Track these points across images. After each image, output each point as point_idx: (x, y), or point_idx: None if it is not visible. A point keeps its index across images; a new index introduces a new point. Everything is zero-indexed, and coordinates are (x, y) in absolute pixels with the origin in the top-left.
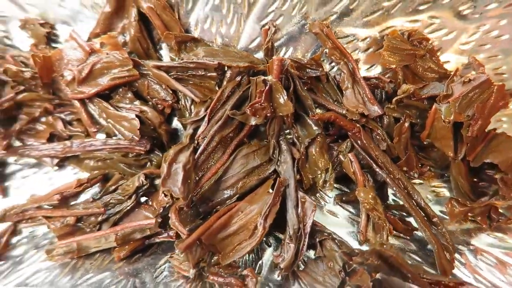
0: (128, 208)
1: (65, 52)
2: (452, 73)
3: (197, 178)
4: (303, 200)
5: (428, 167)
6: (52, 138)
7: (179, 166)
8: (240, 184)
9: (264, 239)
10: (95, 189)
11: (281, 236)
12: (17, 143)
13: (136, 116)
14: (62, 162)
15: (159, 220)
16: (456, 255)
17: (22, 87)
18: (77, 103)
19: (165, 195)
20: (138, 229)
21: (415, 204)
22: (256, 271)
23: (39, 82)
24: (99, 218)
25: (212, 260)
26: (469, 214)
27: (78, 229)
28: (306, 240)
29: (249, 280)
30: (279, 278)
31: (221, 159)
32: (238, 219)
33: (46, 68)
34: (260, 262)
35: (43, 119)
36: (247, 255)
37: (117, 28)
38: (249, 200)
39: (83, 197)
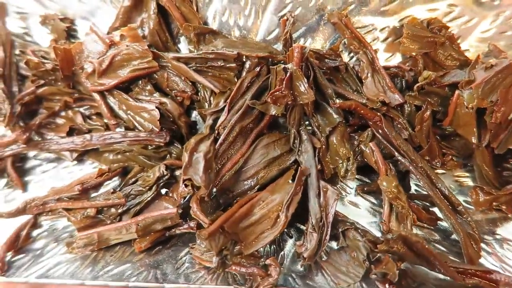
0: (149, 199)
1: (85, 45)
2: (473, 60)
3: (217, 168)
4: (325, 189)
5: (451, 156)
6: (71, 132)
7: (200, 155)
8: (261, 175)
9: (286, 230)
10: (115, 182)
11: (302, 227)
12: (37, 138)
13: (156, 107)
14: (81, 156)
15: (180, 211)
16: (482, 245)
17: (42, 81)
18: (97, 96)
19: (186, 186)
20: (159, 219)
21: (439, 192)
22: (278, 262)
23: (59, 75)
24: (120, 210)
25: (235, 250)
26: (494, 203)
27: (98, 221)
28: (329, 229)
29: (272, 269)
30: (301, 269)
31: (241, 149)
32: (260, 208)
33: (67, 60)
34: (282, 253)
35: (63, 113)
36: (268, 246)
37: (136, 22)
38: (271, 190)
39: (103, 190)
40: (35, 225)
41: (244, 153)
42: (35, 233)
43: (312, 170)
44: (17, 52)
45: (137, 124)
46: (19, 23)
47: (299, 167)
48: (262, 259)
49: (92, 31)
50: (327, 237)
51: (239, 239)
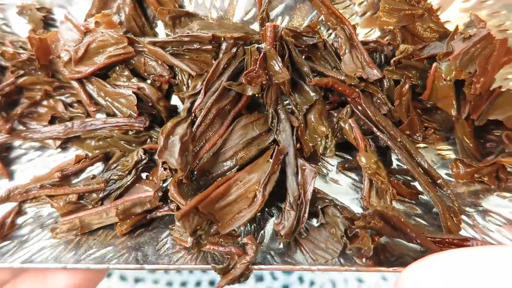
0: (129, 183)
1: (61, 33)
2: (452, 32)
3: (195, 151)
4: (303, 167)
5: (433, 129)
6: (53, 120)
7: (176, 138)
8: (240, 155)
9: (267, 209)
10: (99, 168)
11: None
12: (20, 128)
13: (134, 93)
14: (65, 144)
15: (160, 194)
16: (464, 217)
17: (22, 72)
18: (75, 84)
19: (164, 169)
20: (138, 202)
21: (418, 166)
22: (258, 241)
23: (37, 65)
24: (101, 195)
25: (212, 230)
26: (476, 175)
27: (80, 206)
28: (307, 207)
29: (249, 247)
30: (280, 246)
31: (219, 131)
32: (237, 188)
33: (43, 50)
34: (262, 232)
35: (44, 102)
36: (249, 225)
37: (112, 8)
38: (249, 169)
39: (85, 176)
40: (19, 212)
41: (222, 134)
42: (20, 220)
43: (290, 149)
44: None
45: (116, 110)
46: None
47: (277, 146)
48: (239, 238)
49: (66, 19)
50: (305, 215)
51: (215, 219)
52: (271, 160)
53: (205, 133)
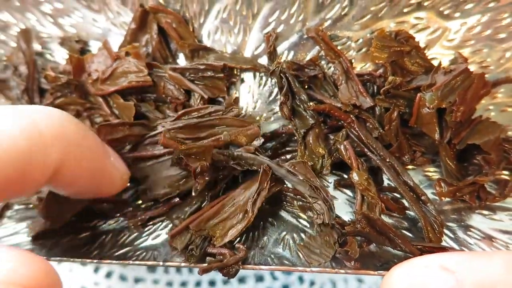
0: None
1: (96, 57)
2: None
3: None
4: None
5: (420, 153)
6: None
7: None
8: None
9: (270, 219)
10: None
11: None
12: None
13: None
14: None
15: None
16: (447, 231)
17: (59, 93)
18: (99, 98)
19: None
20: None
21: (404, 184)
22: (260, 246)
23: (73, 88)
24: None
25: (206, 244)
26: (458, 194)
27: None
28: (323, 190)
29: (240, 249)
30: (280, 251)
31: None
32: (230, 207)
33: (79, 67)
34: (264, 238)
35: None
36: (251, 233)
37: (141, 42)
38: (244, 187)
39: None
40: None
41: None
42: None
43: (271, 164)
44: (39, 69)
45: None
46: (42, 45)
47: (263, 166)
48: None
49: (104, 46)
50: (329, 195)
51: (208, 234)
52: None
53: (149, 145)
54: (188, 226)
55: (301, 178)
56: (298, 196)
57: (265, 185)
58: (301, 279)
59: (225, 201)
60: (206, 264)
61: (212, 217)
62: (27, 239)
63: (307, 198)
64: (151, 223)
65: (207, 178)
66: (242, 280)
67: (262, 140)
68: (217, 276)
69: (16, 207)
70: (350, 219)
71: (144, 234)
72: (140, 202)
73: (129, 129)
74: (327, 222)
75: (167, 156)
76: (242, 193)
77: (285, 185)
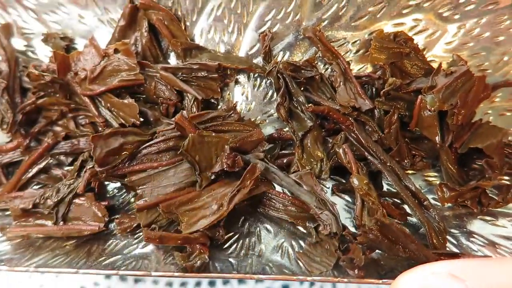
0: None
1: (83, 54)
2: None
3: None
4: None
5: (420, 157)
6: (68, 138)
7: (120, 140)
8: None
9: (267, 225)
10: None
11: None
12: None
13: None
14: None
15: (104, 227)
16: (450, 238)
17: (42, 93)
18: (86, 99)
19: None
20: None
21: (406, 189)
22: (257, 254)
23: (57, 87)
24: (54, 199)
25: (171, 228)
26: (459, 199)
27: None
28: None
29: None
30: (279, 259)
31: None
32: (207, 197)
33: (65, 65)
34: (261, 246)
35: (60, 122)
36: (247, 240)
37: (130, 39)
38: (222, 183)
39: None
40: None
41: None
42: None
43: (278, 173)
44: (20, 67)
45: (122, 120)
46: (24, 42)
47: (252, 164)
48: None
49: (90, 43)
50: (334, 208)
51: (178, 218)
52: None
53: (148, 155)
54: (158, 204)
55: (307, 189)
56: (288, 202)
57: (248, 183)
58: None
59: (203, 191)
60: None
61: (186, 202)
62: (6, 248)
63: (312, 208)
64: (139, 230)
65: (213, 177)
66: (241, 281)
67: (267, 145)
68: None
69: None
70: (355, 232)
71: (133, 242)
72: (127, 209)
73: (123, 137)
74: (335, 232)
75: (165, 167)
76: (222, 185)
77: (272, 189)
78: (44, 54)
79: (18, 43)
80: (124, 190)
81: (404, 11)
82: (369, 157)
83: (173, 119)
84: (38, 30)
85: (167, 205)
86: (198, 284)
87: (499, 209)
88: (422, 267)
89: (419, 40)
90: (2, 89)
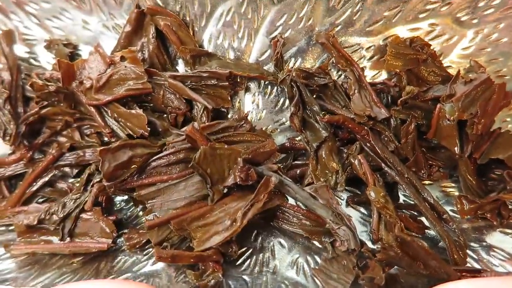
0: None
1: (88, 62)
2: (454, 76)
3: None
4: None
5: (437, 167)
6: (73, 149)
7: (128, 153)
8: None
9: (281, 240)
10: None
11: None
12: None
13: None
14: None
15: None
16: (469, 252)
17: (45, 102)
18: (92, 109)
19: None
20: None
21: (424, 201)
22: (271, 271)
23: (61, 97)
24: (60, 215)
25: (183, 246)
26: (479, 211)
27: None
28: (345, 217)
29: None
30: (294, 276)
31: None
32: (219, 212)
33: (69, 73)
34: (275, 262)
35: (64, 132)
36: (261, 255)
37: (136, 46)
38: (234, 197)
39: None
40: None
41: (173, 178)
42: None
43: (292, 186)
44: (23, 75)
45: (129, 130)
46: (26, 49)
47: (265, 177)
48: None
49: (96, 50)
50: (351, 222)
51: (190, 235)
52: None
53: (157, 168)
54: (170, 221)
55: (323, 203)
56: (302, 216)
57: (261, 197)
58: None
59: (215, 205)
60: None
61: (198, 218)
62: (11, 266)
63: (328, 223)
64: (149, 246)
65: (225, 191)
66: None
67: (280, 156)
68: None
69: None
70: (375, 248)
71: (143, 259)
72: (135, 223)
73: (132, 150)
74: (353, 248)
75: (176, 180)
76: (235, 199)
77: (286, 202)
78: (46, 61)
79: (20, 50)
80: (132, 203)
81: (421, 16)
82: (385, 168)
83: (183, 129)
84: (40, 36)
85: (179, 222)
86: None
87: None
88: (447, 285)
89: (435, 46)
90: (4, 99)
